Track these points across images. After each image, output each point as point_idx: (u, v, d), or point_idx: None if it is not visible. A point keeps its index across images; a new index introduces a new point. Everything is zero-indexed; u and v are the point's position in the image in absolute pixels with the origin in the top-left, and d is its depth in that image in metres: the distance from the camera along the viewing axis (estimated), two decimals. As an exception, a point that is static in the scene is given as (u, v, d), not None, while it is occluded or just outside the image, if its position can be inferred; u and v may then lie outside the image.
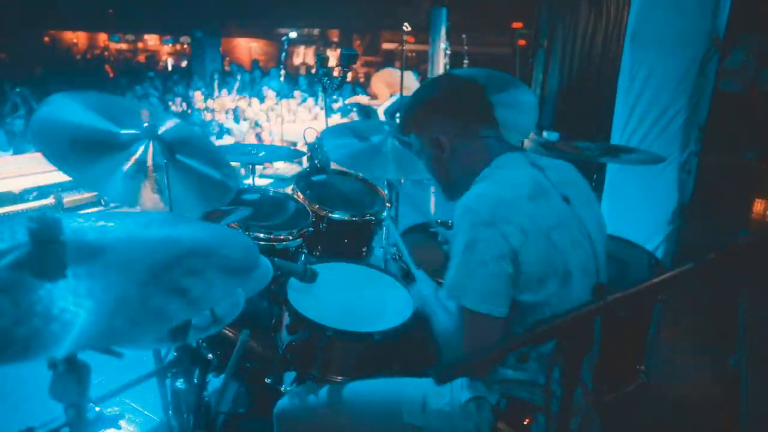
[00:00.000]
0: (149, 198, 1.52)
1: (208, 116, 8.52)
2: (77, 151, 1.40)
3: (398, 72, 6.19)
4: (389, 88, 7.97)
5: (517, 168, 1.35)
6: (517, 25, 11.60)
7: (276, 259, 1.71)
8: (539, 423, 1.36)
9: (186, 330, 0.78)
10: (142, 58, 16.30)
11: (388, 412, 1.48)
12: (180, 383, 1.54)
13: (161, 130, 1.65)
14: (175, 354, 1.22)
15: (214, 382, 2.03)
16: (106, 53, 16.06)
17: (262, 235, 2.01)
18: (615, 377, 2.14)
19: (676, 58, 3.01)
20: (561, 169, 1.42)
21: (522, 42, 9.63)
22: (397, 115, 1.69)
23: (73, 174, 1.40)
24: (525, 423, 1.36)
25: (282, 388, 1.97)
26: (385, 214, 2.38)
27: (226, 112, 8.54)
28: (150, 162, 1.59)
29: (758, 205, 6.47)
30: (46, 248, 0.80)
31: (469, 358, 0.72)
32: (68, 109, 1.46)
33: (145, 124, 1.63)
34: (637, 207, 3.18)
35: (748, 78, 8.73)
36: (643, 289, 0.75)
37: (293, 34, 5.45)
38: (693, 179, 3.43)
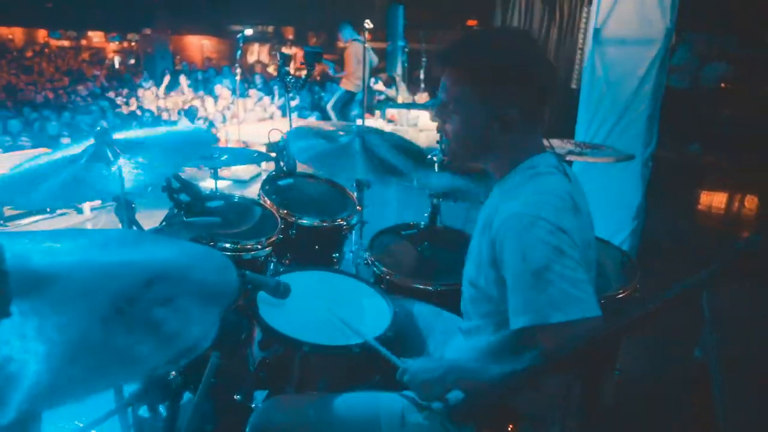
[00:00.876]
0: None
1: (164, 116, 8.20)
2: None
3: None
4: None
5: (554, 174, 1.23)
6: (471, 22, 11.72)
7: (247, 272, 1.60)
8: (523, 428, 1.31)
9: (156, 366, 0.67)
10: (86, 55, 15.57)
11: (366, 427, 1.41)
12: (144, 411, 1.41)
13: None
14: (140, 386, 1.10)
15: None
16: (46, 50, 15.26)
17: (228, 245, 1.89)
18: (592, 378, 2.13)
19: (638, 55, 3.04)
20: (576, 179, 1.34)
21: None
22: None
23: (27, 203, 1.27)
24: (509, 429, 1.31)
25: (252, 405, 1.87)
26: (355, 218, 2.29)
27: (179, 113, 8.23)
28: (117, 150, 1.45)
29: (704, 198, 6.74)
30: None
31: (486, 391, 0.64)
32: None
33: (97, 128, 1.50)
34: (603, 203, 3.20)
35: (692, 75, 9.13)
36: (673, 298, 0.69)
37: (249, 32, 5.28)
38: (648, 173, 3.49)
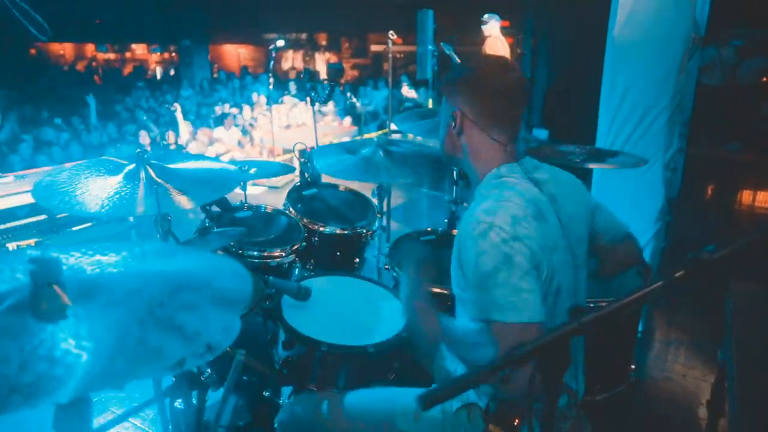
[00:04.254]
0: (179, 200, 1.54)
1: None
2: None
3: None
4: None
5: (518, 185, 1.36)
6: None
7: (270, 277, 1.74)
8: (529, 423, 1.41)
9: (182, 362, 0.82)
10: (130, 67, 16.25)
11: (383, 421, 1.52)
12: (179, 404, 1.58)
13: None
14: (173, 379, 1.25)
15: (213, 395, 2.06)
16: (93, 63, 16.01)
17: (255, 253, 2.05)
18: (606, 378, 2.18)
19: (657, 57, 3.06)
20: (559, 182, 1.44)
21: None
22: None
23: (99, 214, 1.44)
24: (515, 423, 1.41)
25: (280, 401, 2.01)
26: (376, 225, 2.42)
27: (214, 121, 8.52)
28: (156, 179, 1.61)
29: (744, 196, 6.56)
30: (47, 290, 0.83)
31: (455, 383, 0.76)
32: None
33: (138, 150, 1.67)
34: (625, 207, 3.21)
35: (727, 72, 8.84)
36: (616, 308, 0.79)
37: (281, 43, 5.48)
38: (680, 175, 3.48)
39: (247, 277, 1.01)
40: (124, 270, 0.99)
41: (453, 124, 1.43)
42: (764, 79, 9.76)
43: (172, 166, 1.62)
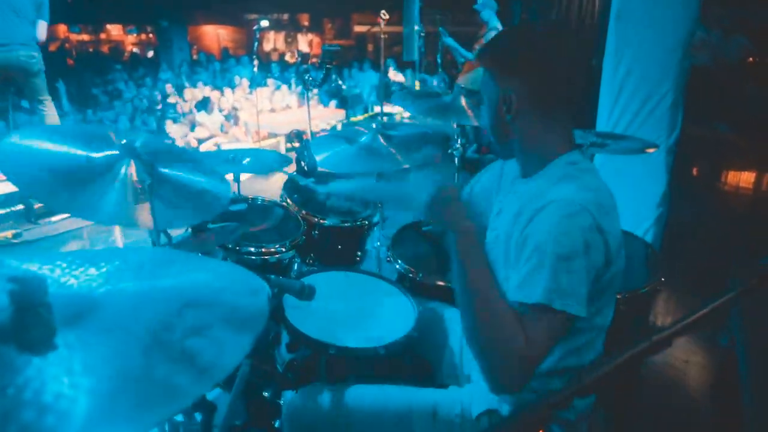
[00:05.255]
0: (146, 217, 1.42)
1: (185, 107, 8.27)
2: (58, 181, 1.30)
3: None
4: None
5: (596, 173, 1.26)
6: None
7: (272, 276, 1.63)
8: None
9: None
10: (105, 49, 15.74)
11: (398, 420, 1.44)
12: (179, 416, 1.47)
13: (138, 145, 1.54)
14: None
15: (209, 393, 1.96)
16: (66, 45, 15.46)
17: (253, 249, 1.92)
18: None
19: (661, 38, 2.97)
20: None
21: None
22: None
23: (58, 205, 1.29)
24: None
25: (281, 401, 1.92)
26: (377, 216, 2.31)
27: (197, 106, 8.29)
28: (135, 180, 1.49)
29: (735, 177, 6.59)
30: (33, 314, 0.70)
31: (520, 416, 0.66)
32: (36, 141, 1.36)
33: (123, 141, 1.53)
34: (627, 192, 3.16)
35: (712, 51, 8.87)
36: (691, 323, 0.70)
37: (265, 23, 5.27)
38: (672, 161, 3.42)
39: (262, 288, 0.90)
40: (120, 285, 0.86)
41: (505, 108, 1.26)
42: (749, 59, 9.80)
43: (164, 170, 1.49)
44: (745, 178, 6.61)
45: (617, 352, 0.68)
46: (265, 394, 1.88)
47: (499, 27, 6.35)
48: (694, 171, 6.48)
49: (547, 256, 1.11)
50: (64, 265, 0.93)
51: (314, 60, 2.99)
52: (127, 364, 0.68)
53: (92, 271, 0.91)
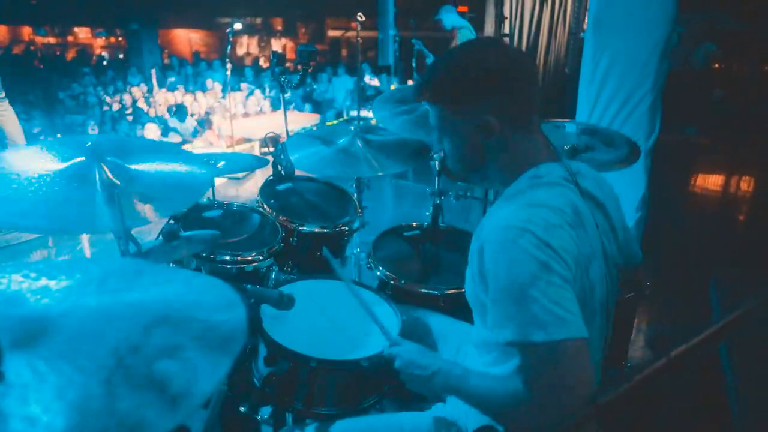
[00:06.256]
0: (142, 210, 1.34)
1: (158, 111, 8.07)
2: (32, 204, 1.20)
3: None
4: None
5: (556, 185, 1.17)
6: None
7: (248, 286, 1.55)
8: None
9: None
10: (73, 52, 15.34)
11: None
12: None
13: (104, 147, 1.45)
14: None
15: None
16: (32, 47, 15.01)
17: (228, 258, 1.83)
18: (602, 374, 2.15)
19: (639, 42, 2.97)
20: (602, 187, 1.29)
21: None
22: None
23: (46, 229, 1.20)
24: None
25: (258, 417, 1.84)
26: (357, 222, 2.24)
27: (169, 110, 8.10)
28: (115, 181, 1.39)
29: (701, 180, 6.73)
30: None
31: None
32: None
33: (88, 144, 1.44)
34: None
35: (682, 56, 9.11)
36: (707, 337, 0.65)
37: (238, 26, 5.18)
38: (650, 159, 3.44)
39: (239, 303, 0.82)
40: (81, 301, 0.77)
41: (482, 136, 1.20)
42: (715, 65, 10.07)
43: (134, 166, 1.39)
44: (714, 181, 6.76)
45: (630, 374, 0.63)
46: (242, 409, 1.80)
47: (466, 23, 6.43)
48: (665, 174, 6.60)
49: (508, 291, 1.05)
50: (19, 278, 0.84)
51: (289, 64, 2.92)
52: (87, 394, 0.59)
53: (50, 284, 0.82)
